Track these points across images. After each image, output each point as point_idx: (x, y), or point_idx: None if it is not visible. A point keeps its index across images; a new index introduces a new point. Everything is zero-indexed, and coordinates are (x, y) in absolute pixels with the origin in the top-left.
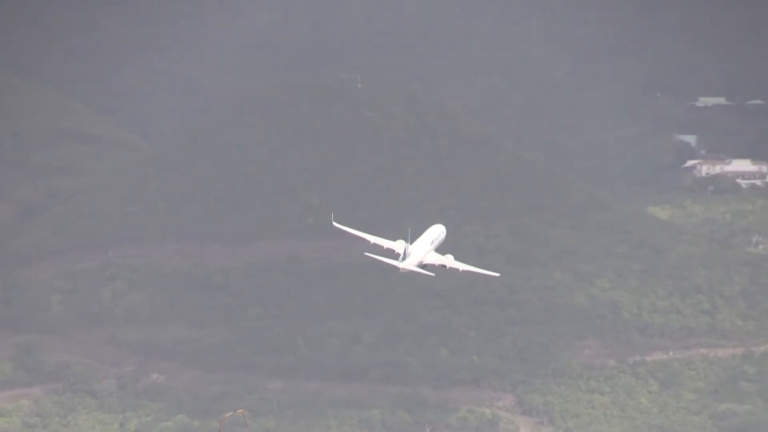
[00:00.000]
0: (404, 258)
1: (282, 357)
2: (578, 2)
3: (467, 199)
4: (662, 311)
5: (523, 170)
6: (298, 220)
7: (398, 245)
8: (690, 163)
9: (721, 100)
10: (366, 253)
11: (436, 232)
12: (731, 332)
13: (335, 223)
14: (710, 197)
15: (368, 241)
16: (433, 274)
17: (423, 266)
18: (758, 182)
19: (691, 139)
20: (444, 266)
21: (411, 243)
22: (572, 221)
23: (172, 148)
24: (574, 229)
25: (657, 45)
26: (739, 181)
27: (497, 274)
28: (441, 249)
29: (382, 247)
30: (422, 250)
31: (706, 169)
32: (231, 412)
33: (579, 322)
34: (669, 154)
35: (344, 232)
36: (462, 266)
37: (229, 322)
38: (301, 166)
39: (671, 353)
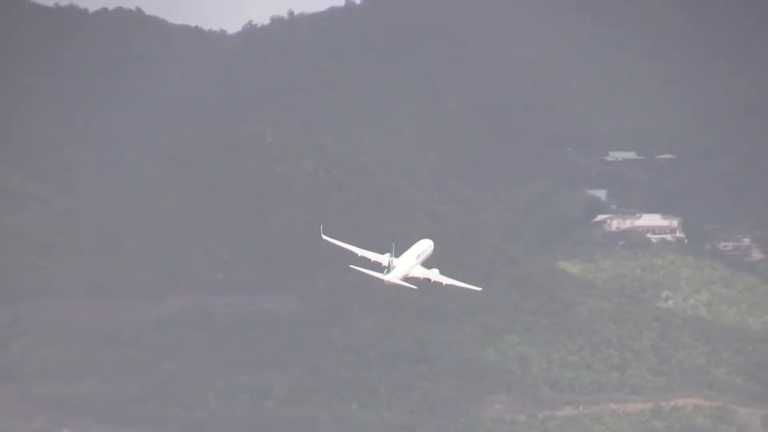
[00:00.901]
0: (389, 271)
1: (193, 412)
2: (489, 56)
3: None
4: (572, 366)
5: (434, 224)
6: (209, 274)
7: (385, 258)
8: (600, 217)
9: (631, 155)
10: (351, 266)
11: (423, 246)
12: (641, 387)
13: (324, 236)
14: (620, 252)
15: (356, 254)
16: (415, 287)
17: (407, 279)
18: (668, 237)
19: (601, 193)
20: (429, 279)
21: (398, 257)
22: (483, 276)
23: (84, 201)
24: (484, 284)
25: (568, 99)
26: (649, 235)
27: (479, 288)
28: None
29: (370, 260)
30: (408, 264)
31: (616, 224)
32: None
33: (489, 376)
34: (579, 208)
35: (333, 244)
36: (446, 280)
37: (140, 377)
38: (213, 219)
39: (581, 408)
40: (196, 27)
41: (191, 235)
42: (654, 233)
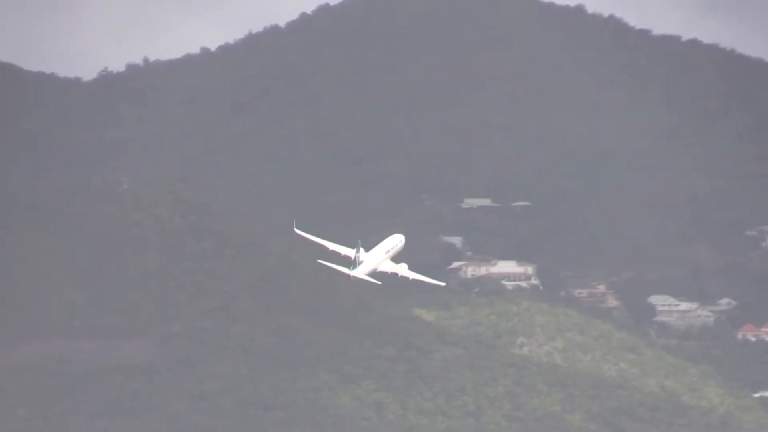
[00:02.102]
0: (356, 266)
1: None
2: (345, 103)
3: (233, 300)
4: (427, 413)
5: (290, 271)
6: (65, 321)
7: (355, 254)
8: (456, 264)
9: (486, 202)
10: (319, 260)
11: (394, 241)
12: None
13: (297, 231)
14: (476, 299)
15: (327, 248)
16: (379, 283)
17: (376, 274)
18: (523, 284)
19: (456, 240)
20: (396, 274)
21: (368, 251)
22: (338, 322)
23: None
24: (340, 330)
25: (423, 146)
26: (504, 282)
27: (443, 284)
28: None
29: (340, 254)
30: (376, 259)
31: (471, 271)
32: None
33: (345, 423)
34: (435, 255)
35: (305, 238)
36: (412, 275)
37: None
38: (69, 266)
39: None
40: (52, 74)
41: (48, 281)
42: (509, 280)
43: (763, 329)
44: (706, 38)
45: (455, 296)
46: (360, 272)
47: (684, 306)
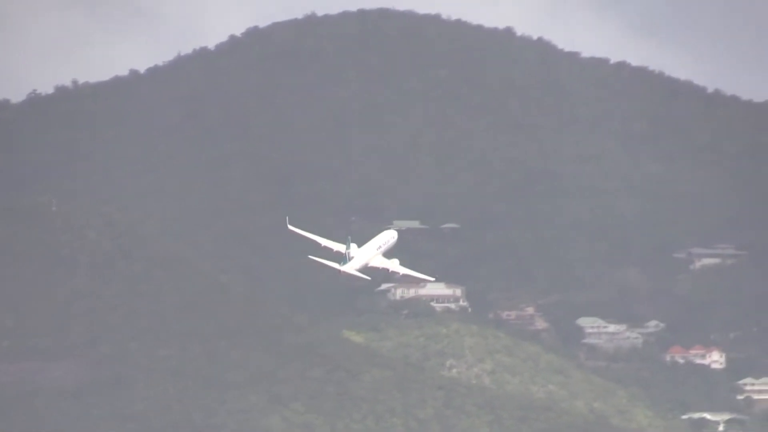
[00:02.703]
0: (346, 261)
1: None
2: (274, 126)
3: (163, 322)
4: None
5: (220, 293)
6: None
7: (351, 248)
8: (385, 286)
9: (415, 224)
10: (310, 256)
11: (386, 237)
12: None
13: (290, 227)
14: (405, 321)
15: (319, 244)
16: (369, 278)
17: (367, 269)
18: (452, 306)
19: None
20: (387, 269)
21: (359, 247)
22: (268, 344)
23: None
24: (269, 352)
25: (352, 168)
26: (433, 304)
27: (433, 279)
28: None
29: (332, 250)
30: (368, 254)
31: (400, 293)
32: None
33: None
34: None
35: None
36: (403, 270)
37: None
38: None
39: None
40: None
41: None
42: (438, 302)
43: (692, 351)
44: (635, 61)
45: (384, 318)
46: (350, 268)
47: (612, 328)
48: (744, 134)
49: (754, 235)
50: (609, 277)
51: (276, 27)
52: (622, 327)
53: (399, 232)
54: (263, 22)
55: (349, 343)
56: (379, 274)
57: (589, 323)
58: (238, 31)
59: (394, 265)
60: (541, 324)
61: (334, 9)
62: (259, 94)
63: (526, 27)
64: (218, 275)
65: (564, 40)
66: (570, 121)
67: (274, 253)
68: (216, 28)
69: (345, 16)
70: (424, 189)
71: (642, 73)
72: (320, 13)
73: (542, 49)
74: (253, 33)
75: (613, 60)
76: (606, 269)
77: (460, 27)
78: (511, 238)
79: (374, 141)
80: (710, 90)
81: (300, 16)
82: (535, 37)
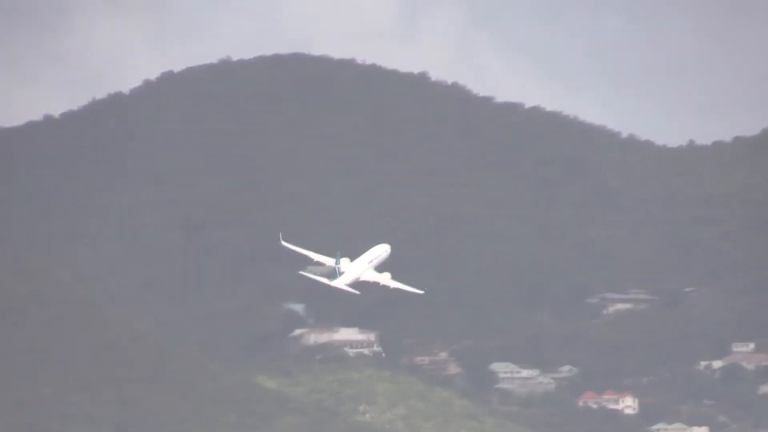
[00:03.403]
0: (336, 276)
1: None
2: (188, 172)
3: (76, 368)
4: None
5: (133, 340)
6: None
7: (342, 263)
8: (298, 331)
9: (330, 268)
10: (300, 272)
11: (379, 251)
12: None
13: (284, 242)
14: (318, 366)
15: (312, 259)
16: (358, 293)
17: (359, 283)
18: (366, 351)
19: (299, 307)
20: (378, 283)
21: (352, 261)
22: (180, 389)
23: None
24: (182, 399)
25: (265, 214)
26: (347, 349)
27: (422, 292)
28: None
29: (325, 264)
30: (358, 269)
31: (314, 338)
32: None
33: None
34: (277, 322)
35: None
36: (393, 284)
37: None
38: None
39: None
40: None
41: None
42: (351, 347)
43: (604, 396)
44: (549, 105)
45: (297, 363)
46: (340, 282)
47: (525, 373)
48: (658, 179)
49: (667, 280)
50: (522, 322)
51: (191, 72)
52: (535, 372)
53: (309, 277)
54: (178, 67)
55: (261, 389)
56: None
57: (502, 368)
58: (153, 76)
59: (385, 278)
60: (454, 369)
61: (249, 54)
62: (173, 140)
63: (441, 71)
64: (132, 322)
65: (478, 85)
66: (484, 166)
67: (187, 299)
68: (130, 72)
69: (260, 60)
70: (337, 234)
71: (556, 117)
72: (235, 57)
73: (456, 93)
74: (168, 78)
75: (528, 104)
76: (519, 314)
77: (374, 71)
78: (424, 283)
79: (288, 186)
80: (624, 135)
81: (215, 60)
82: (449, 82)
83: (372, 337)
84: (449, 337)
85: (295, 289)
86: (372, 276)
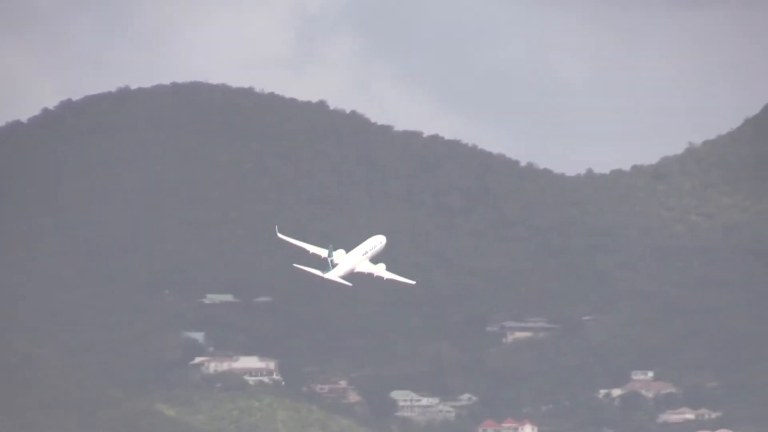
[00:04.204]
0: (329, 268)
1: None
2: (86, 200)
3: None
4: None
5: (32, 367)
6: None
7: (337, 255)
8: (198, 359)
9: (228, 297)
10: (294, 264)
11: (374, 242)
12: None
13: (280, 235)
14: (218, 394)
15: (307, 251)
16: (350, 284)
17: (353, 275)
18: (266, 379)
19: (199, 335)
20: (372, 274)
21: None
22: (81, 418)
23: None
24: (82, 426)
25: (164, 242)
26: (246, 377)
27: (413, 282)
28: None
29: (321, 256)
30: (352, 261)
31: (214, 366)
32: None
33: None
34: (177, 350)
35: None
36: (387, 275)
37: None
38: None
39: None
40: None
41: None
42: (252, 375)
43: (504, 424)
44: (448, 134)
45: (197, 392)
46: (333, 275)
47: (425, 401)
48: (556, 208)
49: (566, 309)
50: (422, 351)
51: (89, 100)
52: (435, 400)
53: (211, 306)
54: (77, 95)
55: (162, 417)
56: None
57: (402, 396)
58: (51, 104)
59: (380, 269)
60: (354, 397)
61: (148, 82)
62: (72, 168)
63: (339, 100)
64: (32, 349)
65: (377, 114)
66: (383, 195)
67: (87, 327)
68: (29, 100)
69: (158, 89)
70: (237, 262)
71: (455, 146)
72: (134, 86)
73: (355, 122)
74: (67, 106)
75: (426, 133)
76: (419, 342)
77: (273, 100)
78: (323, 311)
79: (187, 214)
80: (523, 163)
81: (113, 89)
82: (348, 111)
83: (272, 365)
84: (349, 365)
85: (194, 317)
86: (367, 267)
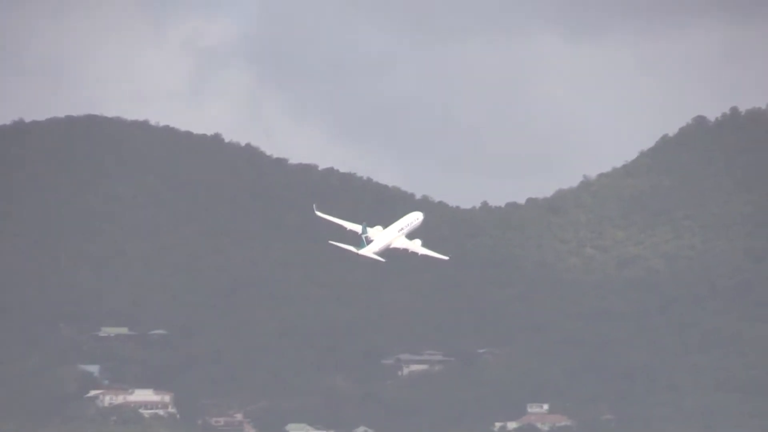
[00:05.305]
0: (363, 245)
1: None
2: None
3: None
4: None
5: None
6: None
7: (374, 232)
8: (93, 392)
9: (123, 330)
10: (330, 241)
11: (410, 218)
12: None
13: (318, 212)
14: (113, 427)
15: (345, 228)
16: (383, 260)
17: (389, 250)
18: (161, 412)
19: (94, 368)
20: (407, 250)
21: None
22: None
23: None
24: None
25: (59, 274)
26: (142, 410)
27: (446, 258)
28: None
29: (358, 233)
30: (388, 237)
31: (109, 399)
32: None
33: None
34: (72, 383)
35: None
36: (422, 251)
37: None
38: None
39: None
40: None
41: None
42: (147, 408)
43: None
44: (343, 167)
45: (92, 425)
46: (367, 251)
47: None
48: (451, 240)
49: (461, 341)
50: (317, 384)
51: None
52: None
53: (106, 338)
54: None
55: None
56: None
57: (297, 429)
58: None
59: (415, 245)
60: (249, 430)
61: (42, 115)
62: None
63: (235, 133)
64: None
65: (272, 147)
66: (279, 228)
67: None
68: None
69: (53, 122)
70: (132, 295)
71: (350, 179)
72: (28, 119)
73: (250, 154)
74: None
75: (322, 166)
76: (314, 375)
77: (168, 133)
78: (219, 345)
79: (82, 246)
80: (418, 196)
81: (8, 121)
82: (243, 143)
83: (167, 398)
84: (245, 398)
85: (89, 349)
86: (402, 243)
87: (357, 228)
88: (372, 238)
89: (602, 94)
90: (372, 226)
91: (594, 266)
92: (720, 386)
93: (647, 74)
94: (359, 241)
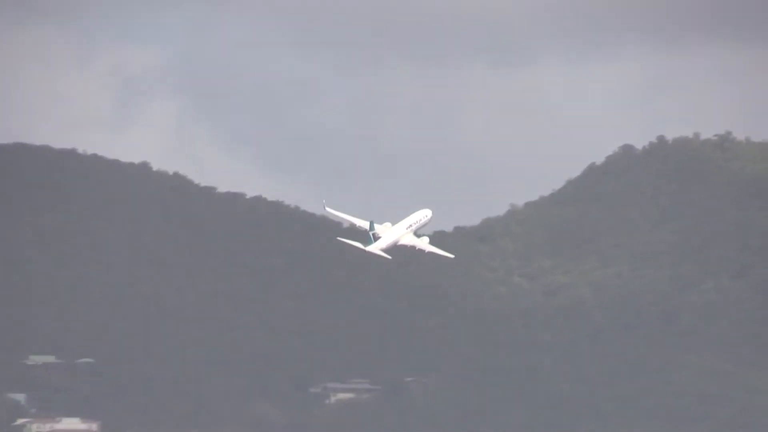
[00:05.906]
0: (371, 242)
1: None
2: None
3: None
4: None
5: None
6: None
7: (383, 228)
8: (20, 421)
9: (50, 358)
10: (338, 238)
11: (419, 215)
12: None
13: (328, 208)
14: None
15: (355, 224)
16: (389, 257)
17: (397, 247)
18: None
19: (20, 397)
20: (414, 247)
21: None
22: None
23: None
24: None
25: None
26: None
27: (452, 256)
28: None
29: (366, 230)
30: (396, 234)
31: (36, 428)
32: None
33: None
34: None
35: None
36: (429, 248)
37: None
38: None
39: None
40: None
41: None
42: None
43: None
44: (271, 196)
45: None
46: (375, 247)
47: None
48: (379, 269)
49: (388, 370)
50: (244, 412)
51: None
52: None
53: (33, 367)
54: None
55: None
56: None
57: None
58: None
59: (423, 243)
60: None
61: None
62: None
63: (162, 162)
64: None
65: (200, 175)
66: (206, 255)
67: None
68: None
69: None
70: (59, 323)
71: (278, 207)
72: None
73: (178, 183)
74: None
75: (250, 194)
76: (241, 404)
77: (96, 162)
78: (147, 373)
79: (8, 275)
80: (346, 225)
81: None
82: (171, 172)
83: (94, 426)
84: (172, 426)
85: (16, 378)
86: (410, 240)
87: (365, 224)
88: (380, 235)
89: (529, 122)
90: (381, 222)
91: (521, 295)
92: (647, 415)
93: (574, 102)
94: (366, 237)
